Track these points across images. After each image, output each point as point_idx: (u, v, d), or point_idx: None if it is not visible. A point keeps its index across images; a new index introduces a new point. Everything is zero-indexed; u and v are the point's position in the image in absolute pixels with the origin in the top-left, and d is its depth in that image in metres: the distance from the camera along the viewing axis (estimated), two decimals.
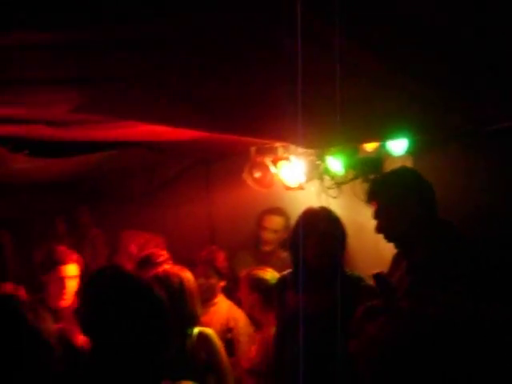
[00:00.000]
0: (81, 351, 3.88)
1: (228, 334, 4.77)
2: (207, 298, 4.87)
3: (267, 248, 5.81)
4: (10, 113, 3.79)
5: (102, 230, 7.49)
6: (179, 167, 6.89)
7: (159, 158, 6.17)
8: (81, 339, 4.00)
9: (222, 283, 5.13)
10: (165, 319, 2.39)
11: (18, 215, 8.14)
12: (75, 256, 4.71)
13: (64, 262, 4.59)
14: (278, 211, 5.81)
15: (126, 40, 2.46)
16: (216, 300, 5.05)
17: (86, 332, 2.77)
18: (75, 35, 2.35)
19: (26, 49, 2.43)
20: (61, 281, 4.54)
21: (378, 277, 3.48)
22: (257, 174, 5.61)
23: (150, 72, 2.94)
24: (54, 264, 4.58)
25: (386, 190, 3.71)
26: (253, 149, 5.65)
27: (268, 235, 5.80)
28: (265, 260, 5.55)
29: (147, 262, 4.89)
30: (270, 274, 4.79)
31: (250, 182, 5.64)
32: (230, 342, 4.68)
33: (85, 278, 4.68)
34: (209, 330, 4.16)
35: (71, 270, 4.60)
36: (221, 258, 5.17)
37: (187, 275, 4.19)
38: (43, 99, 3.32)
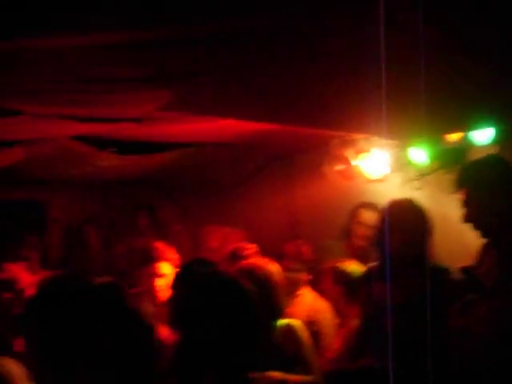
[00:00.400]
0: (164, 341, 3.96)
1: (312, 326, 4.78)
2: (292, 291, 4.90)
3: (361, 243, 5.75)
4: (99, 112, 3.91)
5: (184, 225, 7.61)
6: (261, 161, 6.94)
7: (241, 152, 6.23)
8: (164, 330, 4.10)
9: (308, 276, 5.14)
10: (253, 312, 2.42)
11: (102, 212, 8.38)
12: (170, 254, 4.72)
13: (156, 260, 4.62)
14: (374, 206, 5.74)
15: (209, 37, 2.51)
16: (301, 292, 5.07)
17: (173, 323, 2.84)
18: (163, 33, 2.40)
19: (116, 48, 2.50)
20: (151, 277, 4.59)
21: (466, 270, 3.45)
22: (338, 167, 5.60)
23: (234, 68, 2.98)
24: (147, 260, 4.63)
25: (475, 177, 3.64)
26: (334, 142, 5.64)
27: (363, 230, 5.74)
28: (356, 254, 5.51)
29: (235, 255, 4.94)
30: (354, 267, 4.78)
31: (331, 175, 5.63)
32: (315, 334, 4.69)
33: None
34: (295, 322, 4.18)
35: (162, 268, 4.63)
36: (307, 251, 5.19)
37: (273, 268, 4.21)
38: (133, 98, 3.40)
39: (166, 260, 4.69)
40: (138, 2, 2.12)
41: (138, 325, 1.57)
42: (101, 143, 5.90)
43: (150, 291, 4.52)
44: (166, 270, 4.66)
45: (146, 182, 8.00)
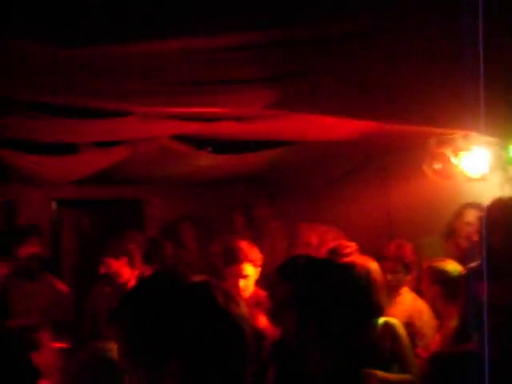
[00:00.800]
0: (263, 334, 4.03)
1: (411, 327, 4.72)
2: (393, 291, 4.85)
3: (465, 243, 5.62)
4: (205, 111, 3.99)
5: (280, 223, 7.65)
6: (357, 160, 6.92)
7: (337, 151, 6.24)
8: (263, 323, 4.16)
9: (409, 276, 5.09)
10: (368, 299, 2.42)
11: (199, 211, 8.54)
12: (253, 255, 4.75)
13: (240, 261, 4.66)
14: (480, 207, 5.61)
15: (317, 38, 2.54)
16: (401, 292, 5.02)
17: (275, 317, 2.87)
18: (273, 34, 2.44)
19: (226, 50, 2.55)
20: (235, 278, 4.65)
21: None
22: (437, 166, 5.52)
23: (338, 67, 3.00)
24: (231, 261, 4.69)
25: None
26: (432, 140, 5.57)
27: (468, 230, 5.62)
28: (460, 254, 5.41)
29: (335, 252, 4.95)
30: (452, 266, 4.71)
31: (430, 173, 5.56)
32: (413, 335, 4.65)
33: (268, 267, 4.82)
34: (394, 320, 4.15)
35: (245, 270, 4.67)
36: (408, 252, 5.14)
37: (373, 266, 4.20)
38: (239, 97, 3.46)
39: (250, 261, 4.73)
40: (251, 5, 2.17)
41: (229, 325, 1.59)
42: (198, 143, 6.04)
43: (234, 291, 4.55)
44: (249, 271, 4.70)
45: (241, 181, 8.11)
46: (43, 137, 5.52)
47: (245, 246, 4.80)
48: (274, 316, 3.43)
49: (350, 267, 3.93)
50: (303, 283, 2.50)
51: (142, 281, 1.72)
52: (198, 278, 1.65)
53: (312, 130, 5.01)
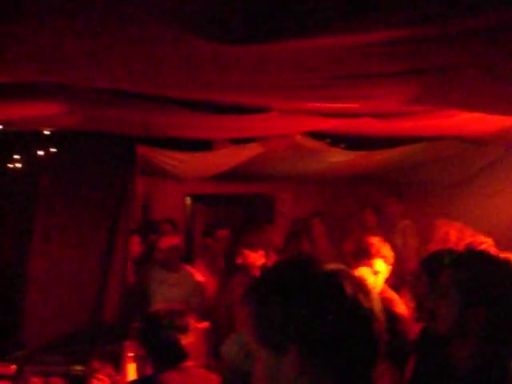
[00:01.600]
0: (401, 319, 4.02)
1: None
2: None
3: None
4: (341, 107, 4.02)
5: (410, 221, 7.58)
6: (492, 156, 6.75)
7: (472, 147, 6.13)
8: (400, 309, 4.16)
9: None
10: None
11: (329, 207, 8.59)
12: (385, 251, 4.70)
13: (371, 256, 4.63)
14: None
15: (459, 30, 2.53)
16: None
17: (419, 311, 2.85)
18: (416, 29, 2.46)
19: (369, 44, 2.59)
20: (366, 274, 4.64)
21: None
22: None
23: (482, 60, 2.95)
24: (362, 256, 4.66)
25: None
26: None
27: None
28: None
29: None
30: None
31: None
32: None
33: (399, 265, 4.78)
34: None
35: (376, 265, 4.63)
36: None
37: None
38: (378, 92, 3.47)
39: (381, 257, 4.69)
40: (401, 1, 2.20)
41: (354, 318, 1.57)
42: (334, 139, 6.09)
43: None
44: (380, 268, 4.65)
45: (372, 178, 8.09)
46: (182, 133, 5.71)
47: (377, 241, 4.76)
48: (417, 310, 3.39)
49: (502, 258, 3.86)
50: (464, 273, 2.47)
51: (274, 265, 1.73)
52: (329, 267, 1.59)
53: (450, 127, 4.94)
